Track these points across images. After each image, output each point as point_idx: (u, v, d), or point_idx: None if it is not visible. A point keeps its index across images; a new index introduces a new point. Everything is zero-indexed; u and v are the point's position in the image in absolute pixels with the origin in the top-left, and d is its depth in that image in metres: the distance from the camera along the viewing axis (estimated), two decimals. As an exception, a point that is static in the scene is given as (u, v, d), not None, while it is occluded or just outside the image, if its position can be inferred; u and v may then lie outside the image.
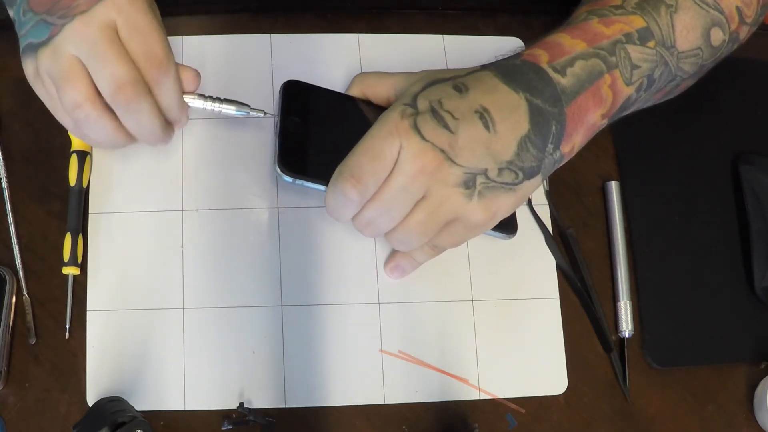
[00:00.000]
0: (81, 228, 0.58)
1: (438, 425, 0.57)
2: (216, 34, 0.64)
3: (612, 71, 0.51)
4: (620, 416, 0.60)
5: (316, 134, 0.58)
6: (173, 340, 0.57)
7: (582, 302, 0.61)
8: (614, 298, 0.62)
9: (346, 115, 0.60)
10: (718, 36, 0.54)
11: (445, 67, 0.65)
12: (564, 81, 0.50)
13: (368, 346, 0.58)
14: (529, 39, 0.66)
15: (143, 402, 0.55)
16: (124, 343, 0.56)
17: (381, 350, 0.58)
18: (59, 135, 0.60)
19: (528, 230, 0.62)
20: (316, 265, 0.59)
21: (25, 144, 0.60)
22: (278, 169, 0.56)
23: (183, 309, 0.57)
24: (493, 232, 0.59)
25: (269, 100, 0.62)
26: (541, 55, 0.51)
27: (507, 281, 0.61)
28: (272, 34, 0.64)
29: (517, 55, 0.52)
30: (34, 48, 0.48)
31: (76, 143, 0.59)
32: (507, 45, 0.66)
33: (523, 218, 0.62)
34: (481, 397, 0.58)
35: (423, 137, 0.48)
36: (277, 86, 0.61)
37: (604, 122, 0.53)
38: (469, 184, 0.49)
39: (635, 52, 0.52)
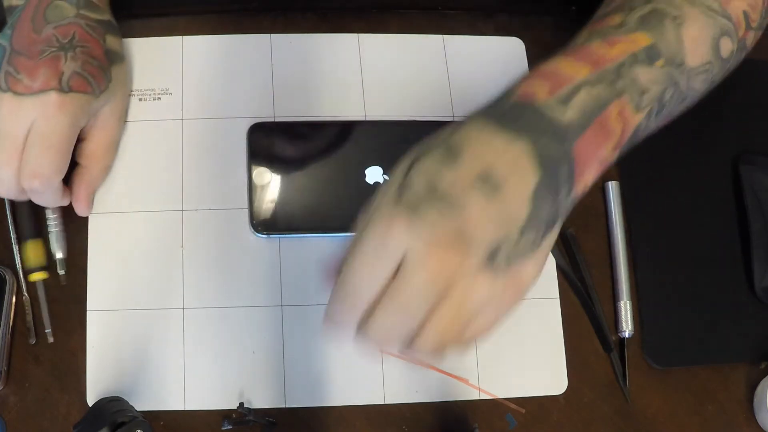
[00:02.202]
0: (38, 233, 0.58)
1: (438, 425, 0.57)
2: (216, 34, 0.64)
3: (620, 98, 0.45)
4: (620, 416, 0.60)
5: (288, 182, 0.59)
6: (173, 340, 0.57)
7: (582, 302, 0.61)
8: (614, 298, 0.62)
9: (321, 151, 0.60)
10: (727, 46, 0.51)
11: (445, 67, 0.65)
12: (568, 115, 0.43)
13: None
14: (529, 39, 0.67)
15: (143, 402, 0.55)
16: (124, 343, 0.56)
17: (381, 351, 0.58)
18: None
19: (528, 230, 0.62)
20: (317, 264, 0.59)
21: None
22: (252, 230, 0.58)
23: (183, 309, 0.57)
24: None
25: (269, 101, 0.62)
26: (539, 88, 0.44)
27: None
28: (272, 34, 0.64)
29: (510, 92, 0.44)
30: None
31: None
32: (507, 45, 0.66)
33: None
34: (481, 397, 0.58)
35: (430, 228, 0.39)
36: (278, 86, 0.61)
37: (615, 154, 0.47)
38: (492, 261, 0.41)
39: (643, 74, 0.46)
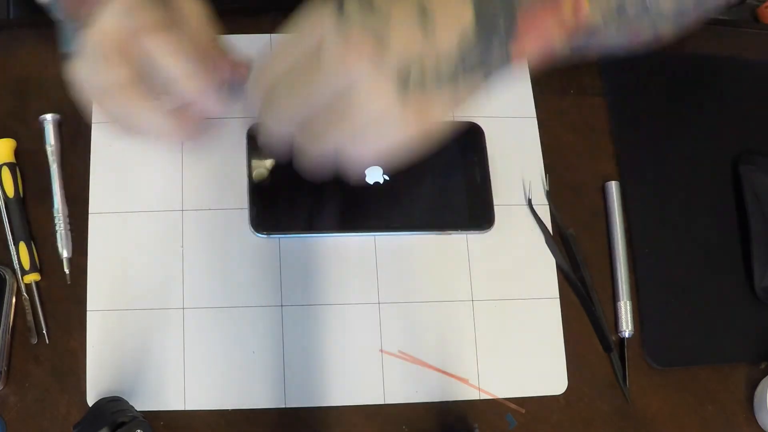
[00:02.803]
0: (30, 235, 0.58)
1: (438, 425, 0.57)
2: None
3: None
4: (620, 416, 0.60)
5: (288, 182, 0.59)
6: (173, 340, 0.57)
7: (582, 302, 0.61)
8: (614, 298, 0.62)
9: None
10: None
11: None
12: None
13: (368, 346, 0.58)
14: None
15: (143, 402, 0.55)
16: (124, 343, 0.56)
17: (381, 350, 0.58)
18: (60, 135, 0.60)
19: (528, 230, 0.62)
20: (317, 265, 0.59)
21: (25, 144, 0.60)
22: (252, 230, 0.58)
23: (183, 309, 0.57)
24: (466, 231, 0.60)
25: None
26: None
27: (507, 281, 0.61)
28: (272, 34, 0.64)
29: None
30: None
31: (3, 156, 0.59)
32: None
33: (524, 218, 0.62)
34: (481, 397, 0.58)
35: (352, 25, 0.41)
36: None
37: (563, 42, 0.46)
38: (401, 79, 0.41)
39: None
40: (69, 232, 0.58)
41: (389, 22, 0.41)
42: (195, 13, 0.48)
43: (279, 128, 0.46)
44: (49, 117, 0.60)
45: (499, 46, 0.43)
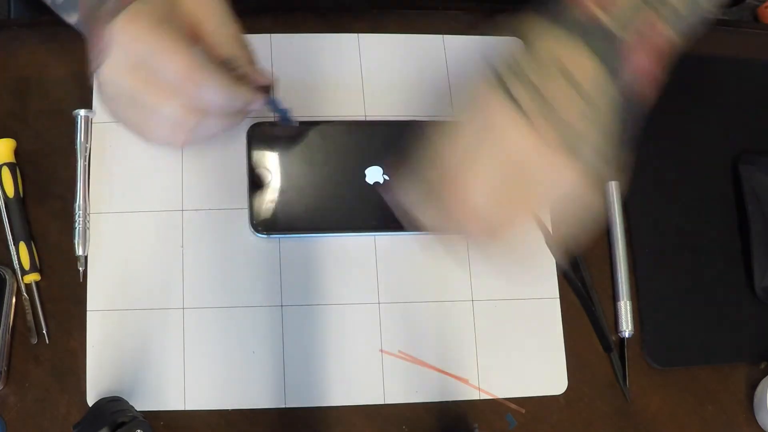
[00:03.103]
0: (30, 235, 0.58)
1: (438, 425, 0.57)
2: (216, 34, 0.64)
3: (651, 11, 0.48)
4: (620, 416, 0.60)
5: (288, 182, 0.59)
6: (173, 340, 0.57)
7: (582, 302, 0.61)
8: (614, 298, 0.62)
9: (321, 151, 0.60)
10: None
11: (445, 67, 0.65)
12: (614, 25, 0.47)
13: (368, 346, 0.58)
14: (529, 39, 0.67)
15: (143, 402, 0.55)
16: (124, 343, 0.56)
17: (381, 350, 0.58)
18: (60, 135, 0.60)
19: (528, 230, 0.62)
20: (317, 265, 0.59)
21: (25, 144, 0.60)
22: (252, 230, 0.58)
23: (183, 309, 0.57)
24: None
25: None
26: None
27: (507, 281, 0.61)
28: (272, 34, 0.64)
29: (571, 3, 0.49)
30: None
31: (3, 156, 0.59)
32: (507, 45, 0.66)
33: (523, 218, 0.62)
34: (481, 397, 0.58)
35: (531, 115, 0.45)
36: (278, 86, 0.61)
37: (660, 66, 0.51)
38: (567, 142, 0.46)
39: None
40: (86, 230, 0.58)
41: (556, 104, 0.45)
42: (213, 23, 0.50)
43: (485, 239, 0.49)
44: (82, 112, 0.59)
45: (618, 74, 0.47)
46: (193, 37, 0.49)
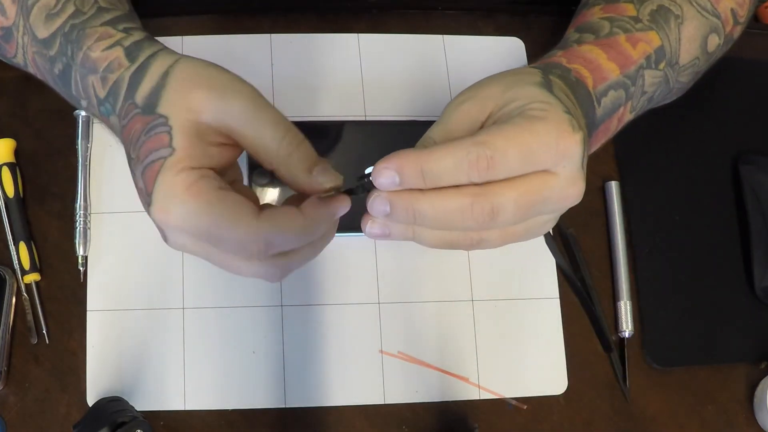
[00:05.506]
0: (30, 235, 0.58)
1: (438, 425, 0.57)
2: (216, 34, 0.64)
3: (627, 102, 0.48)
4: (620, 416, 0.60)
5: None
6: (173, 340, 0.57)
7: (582, 302, 0.61)
8: (614, 298, 0.62)
9: (321, 151, 0.60)
10: (714, 42, 0.52)
11: (445, 67, 0.65)
12: (597, 112, 0.46)
13: (368, 347, 0.58)
14: (529, 39, 0.67)
15: (143, 402, 0.55)
16: (124, 343, 0.56)
17: (381, 351, 0.58)
18: (60, 135, 0.60)
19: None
20: (317, 265, 0.59)
21: (25, 144, 0.60)
22: None
23: (183, 309, 0.57)
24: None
25: (269, 101, 0.62)
26: (587, 77, 0.46)
27: (507, 281, 0.61)
28: (272, 34, 0.64)
29: (565, 67, 0.46)
30: None
31: (3, 156, 0.59)
32: (507, 45, 0.66)
33: (523, 218, 0.62)
34: (482, 397, 0.58)
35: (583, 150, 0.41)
36: (278, 86, 0.61)
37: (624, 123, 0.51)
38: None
39: (649, 76, 0.49)
40: (88, 231, 0.58)
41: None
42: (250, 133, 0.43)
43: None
44: (82, 112, 0.59)
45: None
46: (236, 180, 0.44)
